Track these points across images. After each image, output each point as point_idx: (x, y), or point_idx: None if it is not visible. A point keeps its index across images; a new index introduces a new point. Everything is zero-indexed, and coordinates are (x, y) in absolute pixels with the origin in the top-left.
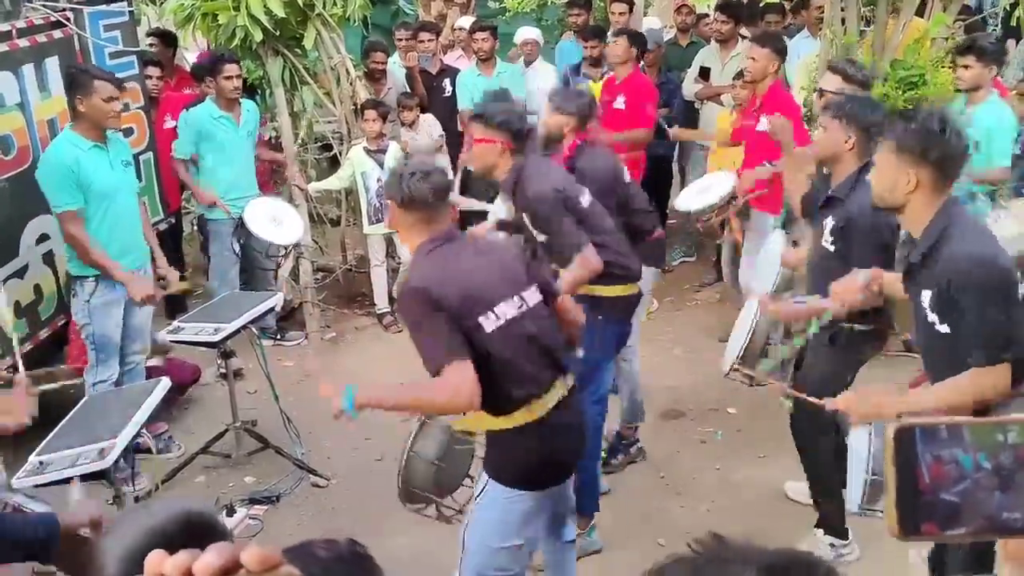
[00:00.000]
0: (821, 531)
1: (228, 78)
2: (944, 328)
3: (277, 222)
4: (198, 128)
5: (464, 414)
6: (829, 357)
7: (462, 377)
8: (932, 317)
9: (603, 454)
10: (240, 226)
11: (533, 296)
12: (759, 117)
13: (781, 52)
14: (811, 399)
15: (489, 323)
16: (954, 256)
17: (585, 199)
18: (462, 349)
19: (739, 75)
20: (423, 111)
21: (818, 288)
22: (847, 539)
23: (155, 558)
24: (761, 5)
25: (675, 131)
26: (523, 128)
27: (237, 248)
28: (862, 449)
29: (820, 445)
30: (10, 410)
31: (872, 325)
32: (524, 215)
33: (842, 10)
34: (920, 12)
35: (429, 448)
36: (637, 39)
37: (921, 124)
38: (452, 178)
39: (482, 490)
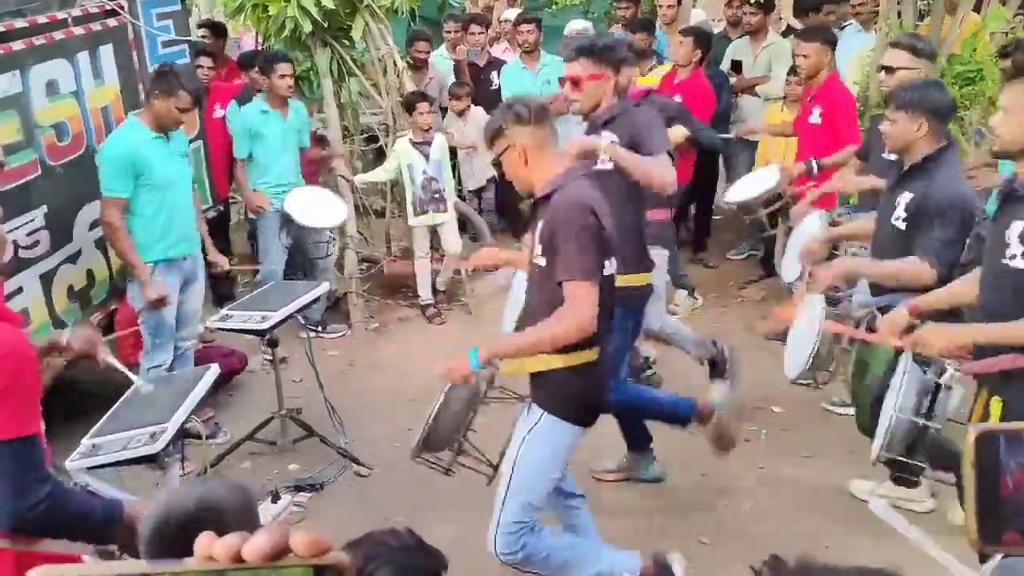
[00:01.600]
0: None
1: (282, 77)
2: (1022, 263)
3: (320, 207)
4: (247, 125)
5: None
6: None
7: (590, 299)
8: (1016, 249)
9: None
10: (288, 220)
11: (613, 265)
12: (812, 109)
13: (831, 42)
14: (885, 341)
15: (608, 268)
16: None
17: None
18: (597, 274)
19: (792, 71)
20: (473, 103)
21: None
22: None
23: (204, 540)
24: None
25: (737, 80)
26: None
27: (287, 241)
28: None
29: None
30: (84, 337)
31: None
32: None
33: (898, 3)
34: (978, 7)
35: (462, 394)
36: (703, 40)
37: None
38: (493, 176)
39: (537, 422)
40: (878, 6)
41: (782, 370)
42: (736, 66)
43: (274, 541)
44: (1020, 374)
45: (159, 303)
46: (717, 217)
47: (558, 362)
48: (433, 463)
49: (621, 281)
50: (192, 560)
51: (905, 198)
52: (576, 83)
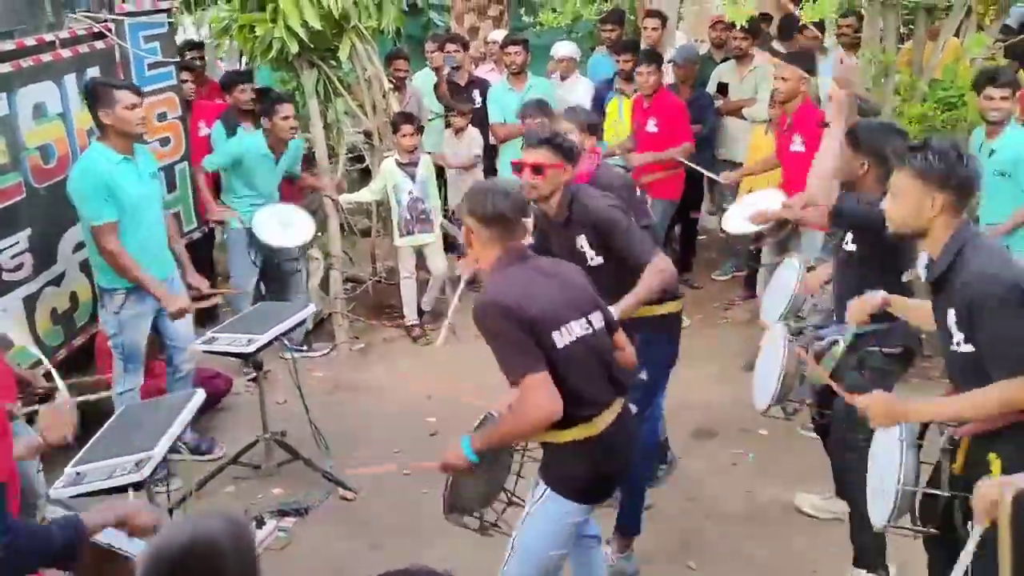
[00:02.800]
0: (863, 571)
1: (285, 118)
2: (968, 347)
3: (286, 226)
4: (240, 156)
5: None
6: (860, 383)
7: (542, 389)
8: (957, 336)
9: None
10: (254, 235)
11: (598, 320)
12: (792, 136)
13: (810, 71)
14: (847, 395)
15: (561, 339)
16: (972, 275)
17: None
18: (539, 361)
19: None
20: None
21: (840, 296)
22: (888, 572)
23: None
24: (800, 24)
25: (723, 103)
26: (575, 149)
27: (256, 259)
28: (890, 460)
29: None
30: (53, 426)
31: (900, 347)
32: (581, 237)
33: (880, 29)
34: (958, 33)
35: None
36: (656, 58)
37: (940, 150)
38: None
39: (540, 497)
40: (860, 31)
41: None
42: (722, 88)
43: None
44: (1012, 427)
45: (181, 314)
46: (701, 237)
47: (552, 438)
48: (466, 524)
49: (650, 311)
50: None
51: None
52: (539, 171)
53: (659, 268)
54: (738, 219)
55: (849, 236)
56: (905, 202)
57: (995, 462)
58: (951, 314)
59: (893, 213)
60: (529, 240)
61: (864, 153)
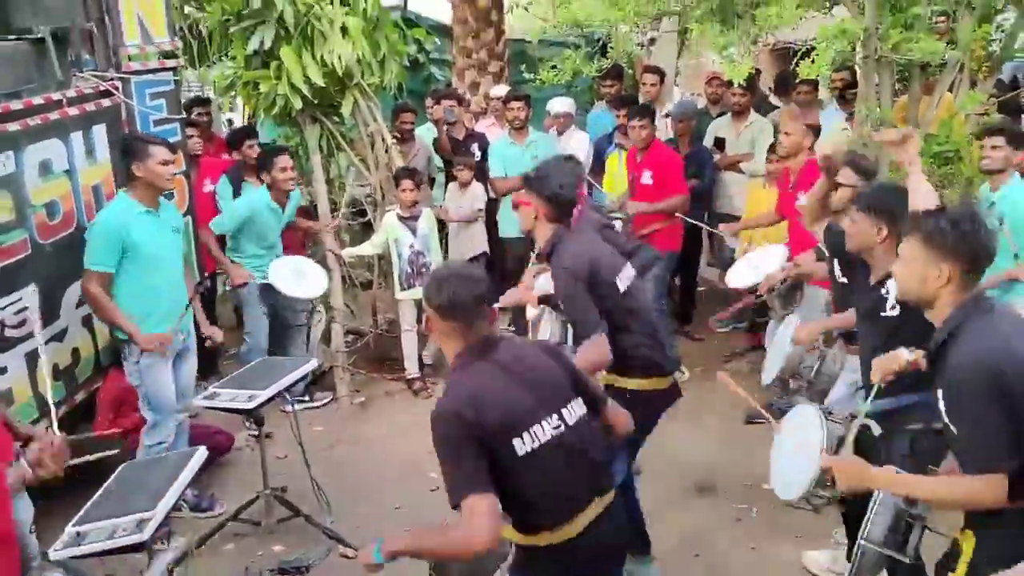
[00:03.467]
0: None
1: (283, 170)
2: (953, 429)
3: (300, 276)
4: (251, 214)
5: None
6: (912, 470)
7: (482, 517)
8: (945, 417)
9: None
10: (266, 289)
11: (576, 410)
12: (796, 195)
13: (815, 129)
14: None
15: (522, 447)
16: (959, 355)
17: (623, 280)
18: (485, 483)
19: (773, 148)
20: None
21: (866, 360)
22: None
23: None
24: (797, 80)
25: (720, 158)
26: (558, 198)
27: (266, 310)
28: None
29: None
30: (43, 461)
31: None
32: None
33: (876, 84)
34: (951, 88)
35: None
36: (648, 112)
37: (953, 218)
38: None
39: None
40: (853, 86)
41: (770, 446)
42: (719, 143)
43: None
44: (995, 512)
45: (161, 348)
46: (701, 288)
47: (520, 540)
48: None
49: (625, 383)
50: None
51: (891, 286)
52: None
53: (598, 349)
54: (741, 273)
55: (891, 296)
56: (912, 269)
57: (967, 541)
58: (940, 395)
59: (899, 279)
60: (496, 327)
61: (880, 218)
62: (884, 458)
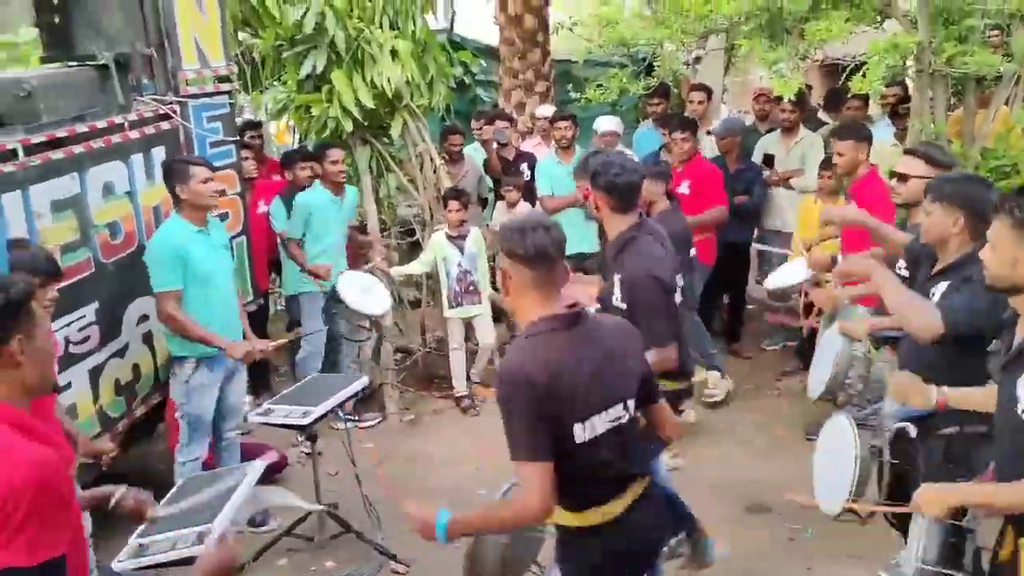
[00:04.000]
0: None
1: (334, 162)
2: None
3: (366, 292)
4: (310, 210)
5: None
6: (950, 474)
7: (538, 483)
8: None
9: None
10: (329, 299)
11: (634, 404)
12: (849, 204)
13: (866, 139)
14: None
15: (581, 434)
16: None
17: (678, 293)
18: (545, 451)
19: (824, 164)
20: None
21: (909, 363)
22: None
23: None
24: (848, 95)
25: (770, 174)
26: (616, 186)
27: (326, 322)
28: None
29: None
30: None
31: (986, 425)
32: (617, 278)
33: (930, 99)
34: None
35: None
36: (690, 126)
37: None
38: None
39: None
40: (905, 101)
41: None
42: (768, 160)
43: None
44: None
45: (247, 359)
46: (750, 307)
47: (564, 521)
48: None
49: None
50: None
51: (940, 288)
52: (586, 196)
53: (666, 356)
54: (776, 277)
55: (938, 295)
56: (1002, 253)
57: None
58: (1019, 384)
59: (989, 264)
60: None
61: (957, 206)
62: (922, 466)
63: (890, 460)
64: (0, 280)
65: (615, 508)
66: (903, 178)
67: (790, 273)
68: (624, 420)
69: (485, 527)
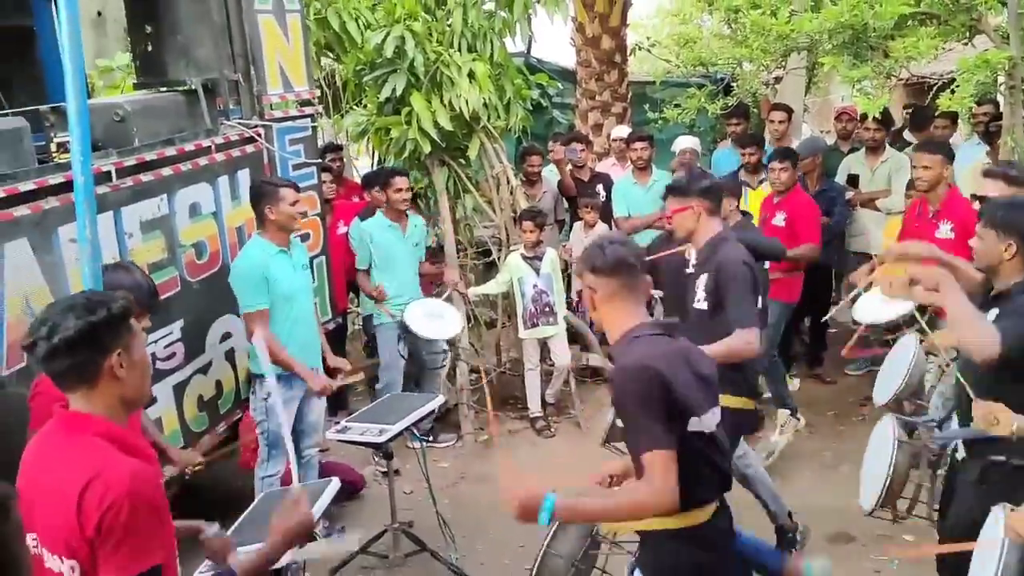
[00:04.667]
0: None
1: (398, 191)
2: None
3: (436, 318)
4: (366, 239)
5: None
6: (981, 498)
7: (667, 471)
8: None
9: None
10: (406, 331)
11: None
12: (938, 224)
13: (950, 156)
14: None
15: (696, 427)
16: None
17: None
18: (670, 441)
19: (911, 185)
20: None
21: (979, 391)
22: None
23: None
24: (936, 113)
25: (855, 195)
26: (711, 188)
27: (405, 352)
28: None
29: None
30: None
31: None
32: (704, 278)
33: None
34: None
35: (565, 548)
36: (790, 155)
37: None
38: None
39: None
40: (997, 119)
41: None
42: (852, 180)
43: None
44: None
45: (325, 392)
46: (832, 331)
47: (659, 524)
48: None
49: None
50: None
51: (991, 315)
52: (669, 218)
53: (747, 339)
54: (869, 308)
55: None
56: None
57: None
58: None
59: (977, 253)
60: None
61: (1008, 234)
62: (958, 486)
63: (930, 472)
64: (102, 295)
65: (705, 512)
66: (983, 200)
67: (891, 306)
68: (719, 423)
69: (597, 514)
